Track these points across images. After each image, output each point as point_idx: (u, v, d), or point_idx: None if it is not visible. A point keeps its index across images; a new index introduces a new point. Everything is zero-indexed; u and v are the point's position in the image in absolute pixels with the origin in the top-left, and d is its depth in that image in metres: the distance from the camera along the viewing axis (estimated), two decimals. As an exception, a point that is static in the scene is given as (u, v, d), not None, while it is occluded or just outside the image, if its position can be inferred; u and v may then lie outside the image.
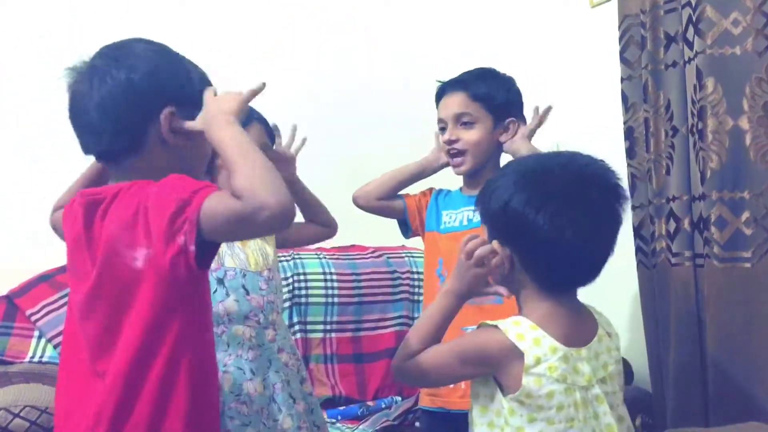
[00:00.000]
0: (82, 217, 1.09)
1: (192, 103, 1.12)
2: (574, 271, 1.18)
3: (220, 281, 1.50)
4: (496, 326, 1.14)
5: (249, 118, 1.55)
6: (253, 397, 1.47)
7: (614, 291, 2.27)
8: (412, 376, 1.21)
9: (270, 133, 1.65)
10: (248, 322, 1.51)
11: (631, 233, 2.01)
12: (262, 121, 1.62)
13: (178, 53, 1.17)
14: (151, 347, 1.03)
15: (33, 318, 1.97)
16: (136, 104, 1.08)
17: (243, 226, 0.99)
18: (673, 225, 1.89)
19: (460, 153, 1.66)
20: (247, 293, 1.52)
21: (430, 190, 1.81)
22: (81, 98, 1.10)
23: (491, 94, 1.66)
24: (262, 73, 2.52)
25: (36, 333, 1.95)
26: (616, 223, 1.19)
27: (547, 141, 2.53)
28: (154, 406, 1.03)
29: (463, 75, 1.70)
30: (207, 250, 1.02)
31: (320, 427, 1.60)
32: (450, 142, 1.66)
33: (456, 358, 1.15)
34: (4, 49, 2.28)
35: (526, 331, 1.12)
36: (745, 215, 1.76)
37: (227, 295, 1.50)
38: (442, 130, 1.69)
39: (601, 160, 1.20)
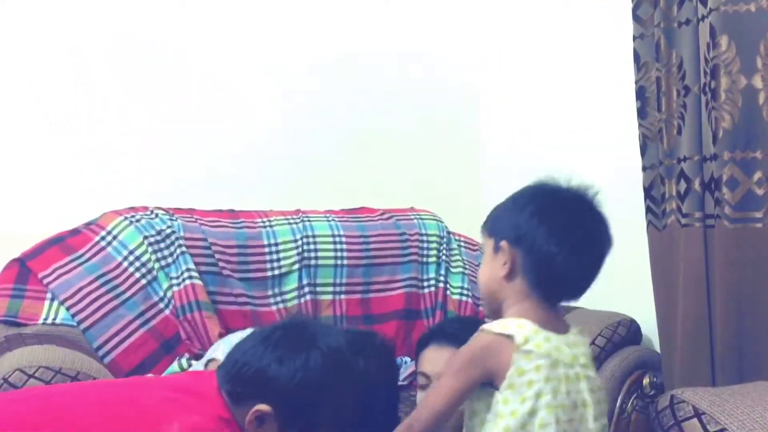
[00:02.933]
0: None
1: (300, 426, 1.20)
2: (577, 292, 1.29)
3: None
4: (480, 330, 1.22)
5: None
6: None
7: (624, 252, 2.27)
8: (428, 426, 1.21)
9: None
10: None
11: (642, 194, 2.00)
12: None
13: (356, 385, 1.26)
14: None
15: (45, 281, 1.98)
16: (254, 381, 1.19)
17: None
18: (683, 185, 1.88)
19: None
20: None
21: None
22: (251, 344, 1.26)
23: None
24: (272, 46, 2.52)
25: (48, 295, 1.97)
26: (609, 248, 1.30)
27: (558, 120, 2.52)
28: None
29: (450, 326, 1.55)
30: None
31: None
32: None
33: (454, 376, 1.19)
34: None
35: (508, 322, 1.21)
36: (758, 175, 1.74)
37: None
38: (423, 387, 1.49)
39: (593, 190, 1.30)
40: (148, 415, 1.15)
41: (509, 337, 1.18)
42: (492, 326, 1.21)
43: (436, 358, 1.44)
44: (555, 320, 1.26)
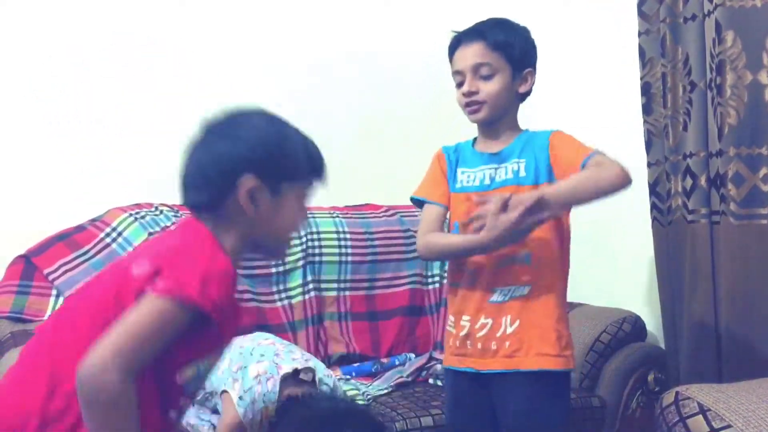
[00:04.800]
0: None
1: (284, 178, 1.19)
2: None
3: None
4: None
5: None
6: None
7: (629, 248, 2.27)
8: None
9: None
10: None
11: (647, 190, 2.00)
12: None
13: (293, 129, 1.23)
14: None
15: (51, 277, 1.99)
16: (222, 169, 1.16)
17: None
18: (689, 182, 1.87)
19: (479, 104, 1.57)
20: None
21: (440, 155, 1.69)
22: (187, 156, 1.22)
23: (510, 43, 1.57)
24: (274, 43, 2.52)
25: (54, 291, 1.97)
26: None
27: (562, 116, 2.51)
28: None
29: (479, 24, 1.62)
30: None
31: None
32: (470, 93, 1.57)
33: None
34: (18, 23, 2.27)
35: None
36: (763, 171, 1.74)
37: None
38: (459, 84, 1.60)
39: None
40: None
41: None
42: None
43: (466, 55, 1.59)
44: None
